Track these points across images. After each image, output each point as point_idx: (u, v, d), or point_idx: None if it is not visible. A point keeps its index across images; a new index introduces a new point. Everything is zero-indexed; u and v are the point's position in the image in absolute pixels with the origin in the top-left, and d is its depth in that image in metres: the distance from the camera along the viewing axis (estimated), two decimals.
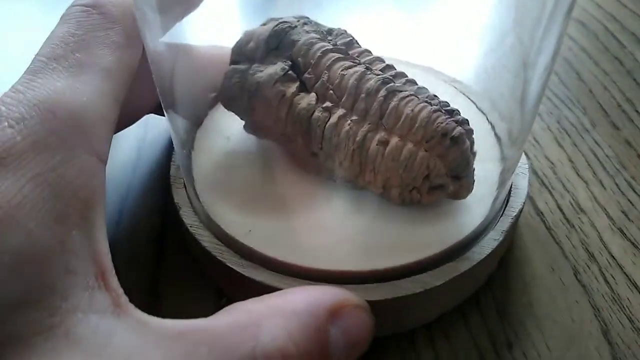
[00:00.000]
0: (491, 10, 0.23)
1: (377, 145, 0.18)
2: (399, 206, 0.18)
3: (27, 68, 0.16)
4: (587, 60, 0.30)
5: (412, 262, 0.17)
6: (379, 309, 0.15)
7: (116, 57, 0.17)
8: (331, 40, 0.20)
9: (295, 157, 0.20)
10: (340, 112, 0.18)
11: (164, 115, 0.20)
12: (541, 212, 0.22)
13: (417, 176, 0.18)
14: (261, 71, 0.19)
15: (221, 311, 0.14)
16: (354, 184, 0.19)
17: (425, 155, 0.17)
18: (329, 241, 0.18)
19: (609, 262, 0.20)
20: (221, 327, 0.13)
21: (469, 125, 0.18)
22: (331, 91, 0.18)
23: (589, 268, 0.20)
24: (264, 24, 0.20)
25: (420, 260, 0.17)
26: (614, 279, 0.20)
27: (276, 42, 0.20)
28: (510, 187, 0.20)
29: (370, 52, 0.20)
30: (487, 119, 0.22)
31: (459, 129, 0.17)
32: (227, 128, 0.21)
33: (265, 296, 0.14)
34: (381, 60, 0.19)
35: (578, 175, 0.24)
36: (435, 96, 0.18)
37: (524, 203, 0.20)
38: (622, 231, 0.21)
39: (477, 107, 0.23)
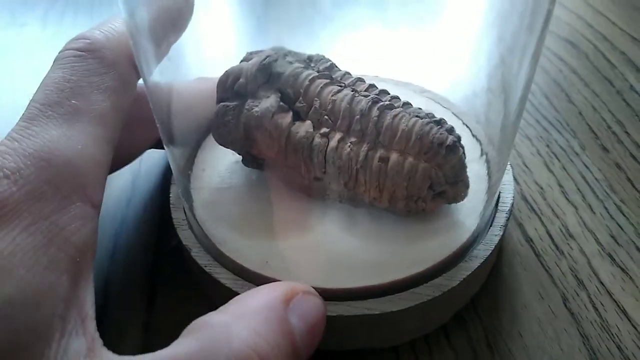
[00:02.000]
0: (473, 27, 0.24)
1: (378, 162, 0.18)
2: (404, 217, 0.19)
3: (23, 114, 0.16)
4: (577, 81, 0.31)
5: (424, 269, 0.18)
6: (379, 321, 0.17)
7: (111, 103, 0.17)
8: (313, 66, 0.20)
9: (298, 184, 0.20)
10: (338, 135, 0.19)
11: (162, 149, 0.21)
12: (530, 239, 0.22)
13: (421, 187, 0.18)
14: (256, 105, 0.19)
15: (184, 333, 0.14)
16: (359, 203, 0.19)
17: (426, 167, 0.18)
18: (325, 260, 0.19)
19: (598, 289, 0.20)
20: (193, 349, 0.14)
21: (455, 131, 0.19)
22: (325, 117, 0.19)
23: (578, 295, 0.20)
24: (245, 60, 0.20)
25: (434, 265, 0.18)
26: (603, 306, 0.20)
27: (265, 76, 0.20)
28: (498, 198, 0.21)
29: (350, 74, 0.21)
30: (468, 128, 0.23)
31: (451, 137, 0.19)
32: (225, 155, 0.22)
33: (223, 307, 0.15)
34: (362, 80, 0.20)
35: (567, 200, 0.24)
36: (420, 109, 0.19)
37: (512, 199, 0.21)
38: (611, 256, 0.21)
39: (455, 115, 0.24)
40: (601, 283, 0.21)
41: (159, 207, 0.24)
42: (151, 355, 0.14)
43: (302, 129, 0.19)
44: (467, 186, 0.19)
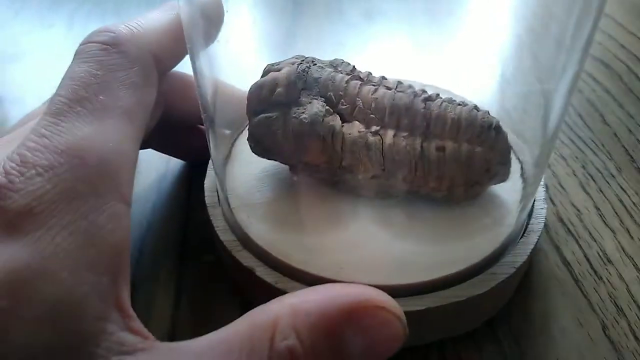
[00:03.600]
0: (512, 37, 0.23)
1: (436, 152, 0.19)
2: (459, 203, 0.20)
3: (48, 108, 0.15)
4: (611, 102, 0.30)
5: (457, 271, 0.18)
6: (417, 318, 0.17)
7: (137, 98, 0.17)
8: (340, 70, 0.20)
9: (347, 186, 0.20)
10: (391, 132, 0.19)
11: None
12: (568, 262, 0.21)
13: (479, 171, 0.19)
14: (303, 112, 0.19)
15: (244, 315, 0.14)
16: (415, 195, 0.19)
17: (481, 150, 0.19)
18: (360, 256, 0.18)
19: (638, 317, 0.20)
20: (242, 330, 0.13)
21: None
22: (372, 115, 0.19)
23: (618, 323, 0.20)
24: (267, 72, 0.20)
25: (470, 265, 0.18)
26: None
27: (302, 83, 0.20)
28: (532, 208, 0.21)
29: (371, 73, 0.20)
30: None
31: (496, 119, 0.19)
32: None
33: (286, 295, 0.14)
34: (385, 78, 0.20)
35: (605, 223, 0.23)
36: (452, 99, 0.20)
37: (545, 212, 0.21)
38: None
39: None
40: None
41: (184, 212, 0.23)
42: (210, 336, 0.13)
43: (353, 129, 0.19)
44: (511, 165, 0.20)
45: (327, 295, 0.14)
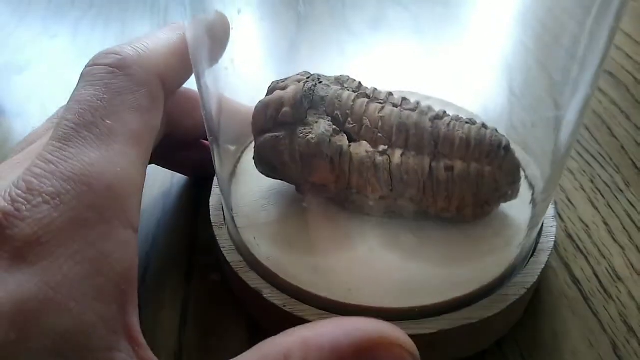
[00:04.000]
0: (519, 59, 0.23)
1: (445, 172, 0.18)
2: (468, 223, 0.19)
3: (54, 133, 0.15)
4: (618, 114, 0.30)
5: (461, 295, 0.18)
6: (427, 342, 0.16)
7: (144, 122, 0.17)
8: (347, 87, 0.20)
9: (355, 206, 0.19)
10: (399, 151, 0.18)
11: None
12: (577, 280, 0.21)
13: (488, 191, 0.19)
14: (310, 132, 0.19)
15: (253, 347, 0.13)
16: (424, 215, 0.19)
17: (490, 170, 0.18)
18: (369, 278, 0.18)
19: None
20: None
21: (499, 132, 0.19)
22: (379, 134, 0.19)
23: (629, 343, 0.19)
24: (272, 89, 0.20)
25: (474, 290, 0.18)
26: None
27: (309, 102, 0.19)
28: (541, 226, 0.20)
29: (378, 89, 0.20)
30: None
31: (505, 138, 0.19)
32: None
33: (297, 328, 0.14)
34: (392, 94, 0.20)
35: (614, 239, 0.23)
36: (460, 116, 0.19)
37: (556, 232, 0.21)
38: None
39: None
40: None
41: (190, 229, 0.23)
42: None
43: (361, 149, 0.19)
44: (520, 185, 0.20)
45: (341, 329, 0.13)
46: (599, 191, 0.25)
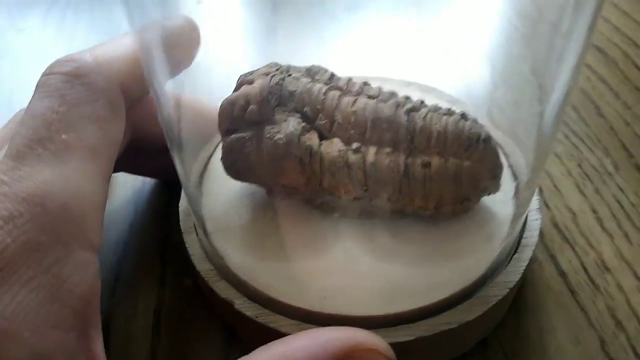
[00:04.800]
0: (503, 35, 0.22)
1: (422, 169, 0.17)
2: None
3: (8, 149, 0.15)
4: (607, 92, 0.29)
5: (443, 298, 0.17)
6: (405, 348, 0.16)
7: (103, 133, 0.16)
8: (318, 79, 0.19)
9: (330, 207, 0.19)
10: (372, 148, 0.17)
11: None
12: (564, 273, 0.21)
13: (468, 187, 0.18)
14: (278, 131, 0.18)
15: None
16: (401, 214, 0.18)
17: (470, 165, 0.17)
18: (345, 284, 0.18)
19: (638, 330, 0.19)
20: None
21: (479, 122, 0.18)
22: (352, 130, 0.18)
23: (617, 337, 0.19)
24: (240, 83, 0.19)
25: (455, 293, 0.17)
26: None
27: (276, 98, 0.18)
28: (525, 219, 0.20)
29: (352, 79, 0.19)
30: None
31: (484, 129, 0.18)
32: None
33: (271, 344, 0.13)
34: (367, 83, 0.19)
35: (602, 227, 0.22)
36: (439, 106, 0.18)
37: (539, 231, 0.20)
38: None
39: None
40: None
41: (162, 232, 0.22)
42: None
43: (332, 147, 0.18)
44: (501, 177, 0.19)
45: (318, 341, 0.13)
46: (587, 176, 0.24)
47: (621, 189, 0.24)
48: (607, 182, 0.24)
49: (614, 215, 0.23)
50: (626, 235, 0.22)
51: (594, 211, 0.23)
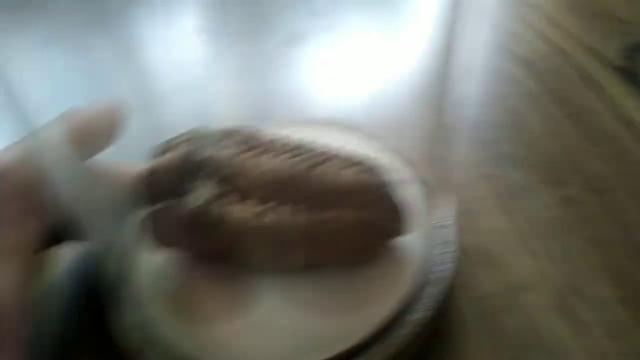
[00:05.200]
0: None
1: (326, 224, 0.18)
2: (358, 267, 0.19)
3: None
4: (532, 103, 0.30)
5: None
6: None
7: (23, 236, 0.16)
8: (234, 141, 0.19)
9: (249, 267, 0.19)
10: (280, 209, 0.18)
11: None
12: (484, 296, 0.21)
13: (369, 238, 0.19)
14: (190, 201, 0.18)
15: None
16: (315, 266, 0.19)
17: (370, 217, 0.18)
18: (266, 340, 0.18)
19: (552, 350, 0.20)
20: None
21: (380, 169, 0.19)
22: (264, 191, 0.18)
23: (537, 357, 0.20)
24: (162, 152, 0.19)
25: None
26: None
27: (191, 167, 0.19)
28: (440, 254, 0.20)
29: (274, 136, 0.20)
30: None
31: (385, 177, 0.19)
32: None
33: None
34: (287, 139, 0.20)
35: (523, 245, 0.23)
36: (348, 156, 0.19)
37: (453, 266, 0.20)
38: (568, 309, 0.21)
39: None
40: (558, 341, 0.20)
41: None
42: None
43: (243, 212, 0.18)
44: (408, 218, 0.19)
45: None
46: (510, 195, 0.25)
47: (544, 206, 0.24)
48: (530, 199, 0.25)
49: (533, 234, 0.23)
50: (549, 252, 0.23)
51: (514, 229, 0.23)
